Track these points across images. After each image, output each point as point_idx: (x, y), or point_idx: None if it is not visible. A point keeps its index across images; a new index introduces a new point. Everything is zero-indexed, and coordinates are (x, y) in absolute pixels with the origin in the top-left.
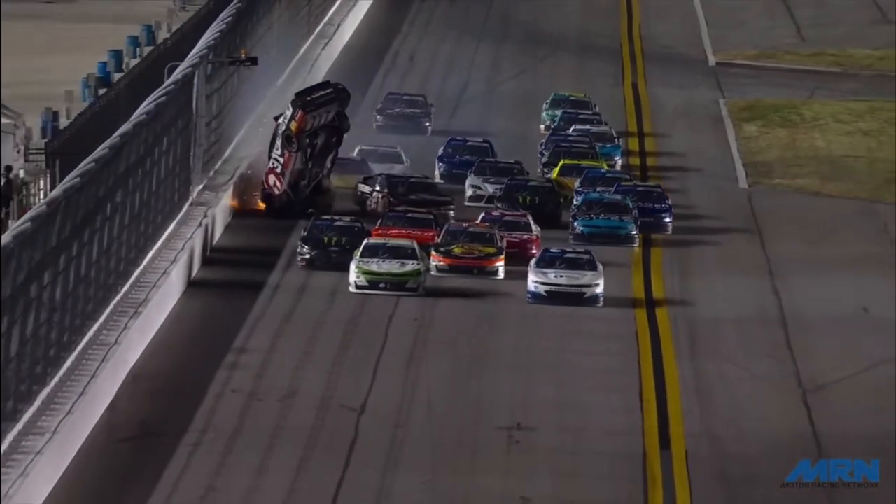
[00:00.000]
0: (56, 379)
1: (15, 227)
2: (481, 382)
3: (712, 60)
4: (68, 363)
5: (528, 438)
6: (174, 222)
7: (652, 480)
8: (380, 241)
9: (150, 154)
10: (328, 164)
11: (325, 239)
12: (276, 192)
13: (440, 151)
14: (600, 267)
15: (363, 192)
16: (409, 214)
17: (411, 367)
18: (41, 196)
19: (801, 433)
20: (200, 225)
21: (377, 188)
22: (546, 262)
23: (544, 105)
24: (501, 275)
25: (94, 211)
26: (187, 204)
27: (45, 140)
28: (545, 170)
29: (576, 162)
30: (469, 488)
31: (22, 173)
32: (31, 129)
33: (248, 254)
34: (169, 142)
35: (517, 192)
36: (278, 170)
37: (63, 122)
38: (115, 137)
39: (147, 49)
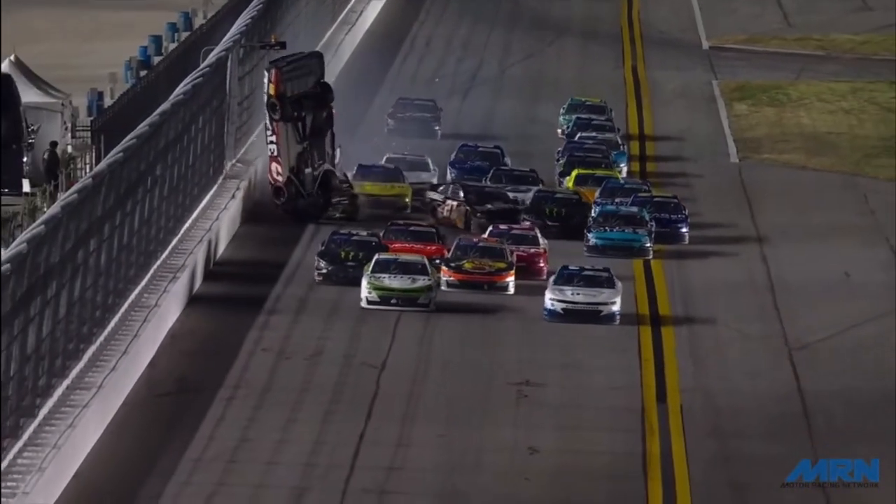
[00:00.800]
0: (101, 338)
1: (63, 198)
2: (493, 345)
3: (706, 44)
4: (112, 324)
5: (536, 394)
6: (209, 194)
7: (650, 431)
8: (390, 256)
9: (187, 131)
10: (329, 150)
11: (342, 254)
12: (281, 180)
13: (451, 157)
14: (619, 285)
15: (434, 200)
16: (412, 228)
17: (427, 328)
18: (87, 170)
19: (787, 388)
20: (234, 197)
21: (451, 196)
22: (564, 279)
23: (561, 110)
24: (512, 290)
25: (136, 183)
26: (221, 177)
27: (91, 118)
28: (560, 179)
29: (590, 171)
30: (481, 440)
31: (69, 149)
32: (78, 109)
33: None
34: (204, 120)
35: (544, 203)
36: (275, 152)
37: (107, 102)
38: (155, 116)
39: (184, 34)
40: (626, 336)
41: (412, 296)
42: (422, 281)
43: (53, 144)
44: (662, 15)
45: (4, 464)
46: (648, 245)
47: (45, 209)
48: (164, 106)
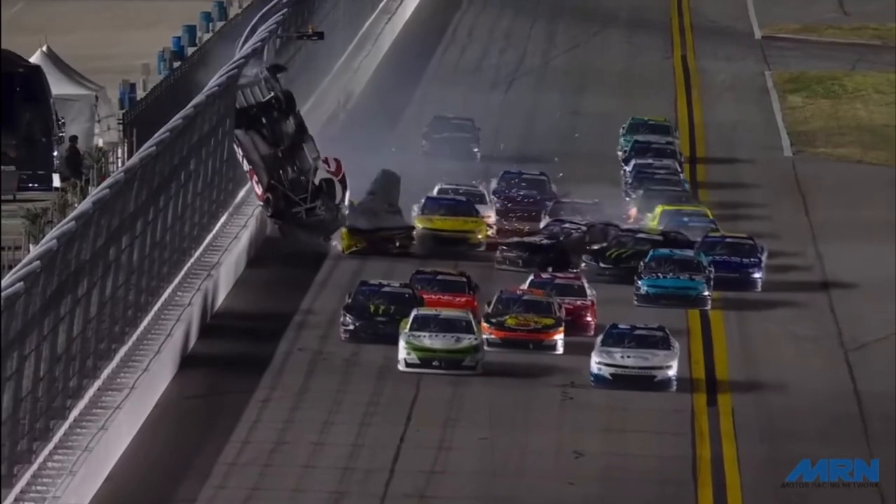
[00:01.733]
0: (133, 338)
1: (94, 193)
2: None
3: (758, 34)
4: (145, 323)
5: (581, 396)
6: (244, 189)
7: (700, 434)
8: (431, 311)
9: (222, 124)
10: (311, 160)
11: (371, 307)
12: (261, 190)
13: (493, 185)
14: (675, 346)
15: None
16: (440, 277)
17: None
18: (119, 164)
19: (842, 390)
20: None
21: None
22: (613, 339)
23: (621, 129)
24: (561, 349)
25: (169, 178)
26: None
27: (123, 111)
28: (639, 216)
29: (675, 207)
30: (524, 443)
31: (100, 142)
32: (111, 101)
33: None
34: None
35: (632, 245)
36: (247, 167)
37: (140, 94)
38: (189, 108)
39: (219, 24)
40: (677, 337)
41: (456, 357)
42: (467, 340)
43: (74, 139)
44: (713, 3)
45: (35, 466)
46: (707, 293)
47: (76, 205)
48: (198, 98)
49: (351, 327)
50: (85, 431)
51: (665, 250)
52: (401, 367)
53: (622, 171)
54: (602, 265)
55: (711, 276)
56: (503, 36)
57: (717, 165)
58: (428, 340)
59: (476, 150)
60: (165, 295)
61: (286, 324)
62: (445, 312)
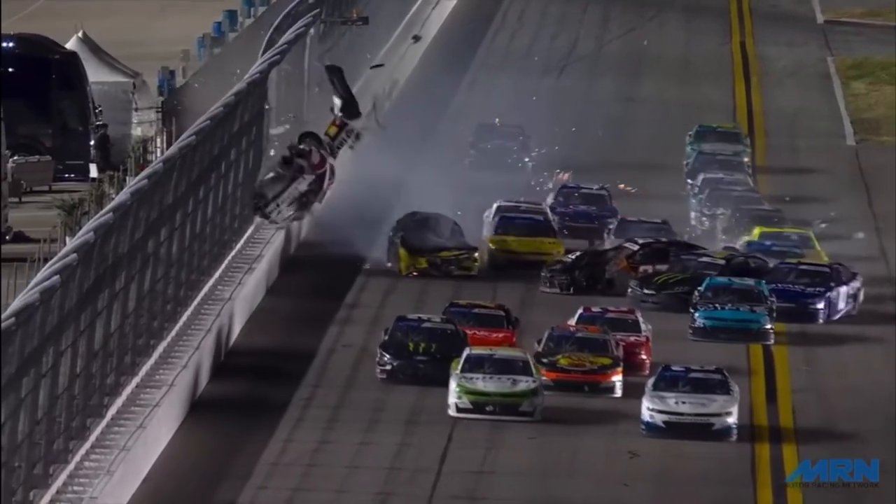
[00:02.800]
0: (172, 333)
1: (132, 184)
2: None
3: (820, 18)
4: (184, 318)
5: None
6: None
7: (759, 434)
8: (485, 351)
9: (264, 113)
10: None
11: (411, 345)
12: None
13: (550, 200)
14: (735, 390)
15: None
16: (476, 310)
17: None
18: (158, 154)
19: None
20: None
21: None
22: (666, 383)
23: (687, 137)
24: (619, 392)
25: (209, 168)
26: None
27: (162, 98)
28: (732, 238)
29: (776, 230)
30: (576, 443)
31: (139, 131)
32: (149, 88)
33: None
34: (279, 97)
35: (692, 269)
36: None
37: (179, 81)
38: (229, 96)
39: (261, 10)
40: (734, 374)
41: (513, 402)
42: (525, 383)
43: (103, 127)
44: None
45: (71, 466)
46: (769, 326)
47: (114, 196)
48: (239, 86)
49: (388, 367)
50: (122, 430)
51: (723, 278)
52: (451, 411)
53: (688, 185)
54: (646, 291)
55: (774, 306)
56: (555, 20)
57: (777, 155)
58: (481, 383)
59: (527, 159)
60: (206, 289)
61: (330, 318)
62: (501, 352)
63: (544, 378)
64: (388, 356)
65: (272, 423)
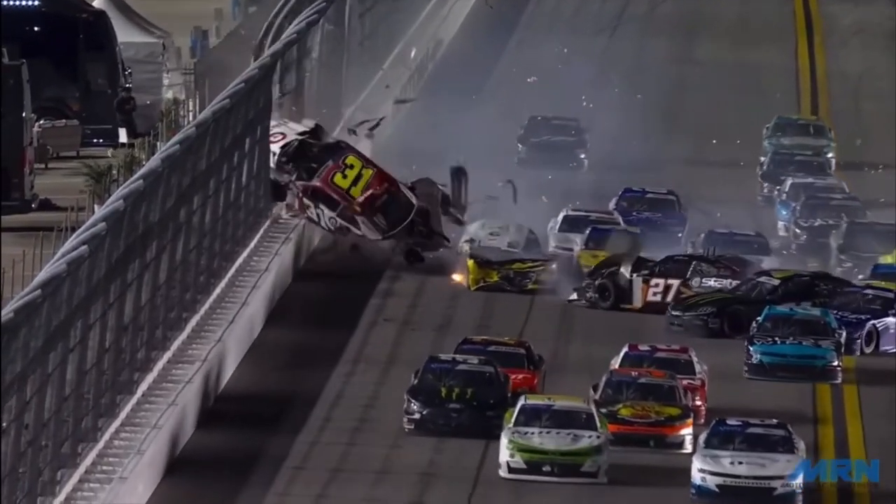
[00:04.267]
0: (206, 306)
1: (164, 149)
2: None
3: None
4: (218, 290)
5: None
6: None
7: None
8: (542, 401)
9: (300, 74)
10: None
11: (443, 390)
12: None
13: (612, 204)
14: (801, 447)
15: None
16: (493, 347)
17: (566, 308)
18: (190, 118)
19: None
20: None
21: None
22: (720, 439)
23: (764, 130)
24: (689, 447)
25: (244, 133)
26: (339, 126)
27: (195, 60)
28: (841, 256)
29: None
30: None
31: (170, 93)
32: (180, 49)
33: None
34: (320, 61)
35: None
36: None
37: (212, 42)
38: (265, 57)
39: None
40: (798, 421)
41: (574, 461)
42: (588, 439)
43: (125, 89)
44: None
45: (101, 444)
46: (836, 363)
47: (144, 162)
48: (276, 46)
49: (417, 416)
50: (154, 407)
51: (784, 308)
52: (502, 472)
53: (764, 188)
54: (672, 312)
55: (842, 339)
56: None
57: (841, 119)
58: (537, 439)
59: (583, 156)
60: (240, 260)
61: (367, 297)
62: (561, 402)
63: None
64: (416, 404)
65: (311, 398)
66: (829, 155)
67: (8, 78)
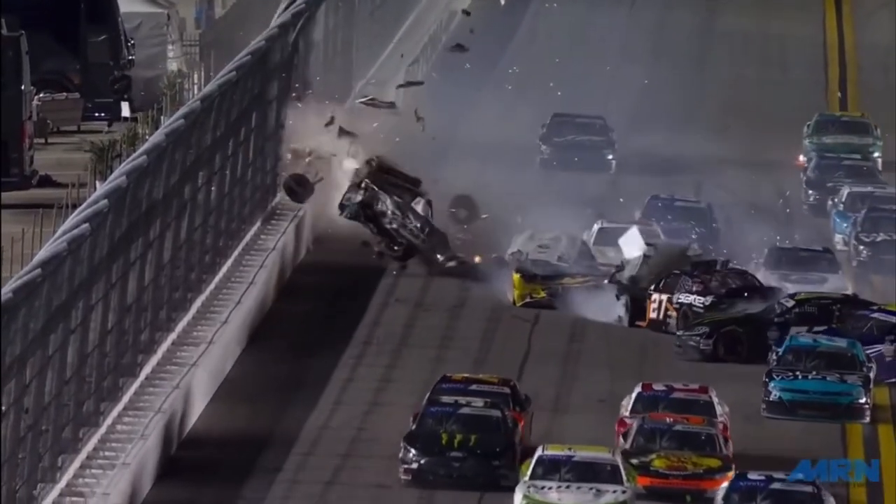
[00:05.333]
0: (211, 286)
1: (168, 124)
2: None
3: None
4: (224, 269)
5: None
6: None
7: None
8: (561, 452)
9: (309, 46)
10: None
11: (444, 437)
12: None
13: (638, 214)
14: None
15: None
16: (473, 386)
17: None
18: (195, 91)
19: None
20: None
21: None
22: (740, 496)
23: (805, 129)
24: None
25: (250, 107)
26: (350, 98)
27: (199, 31)
28: None
29: None
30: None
31: (175, 66)
32: (185, 20)
33: None
34: (327, 33)
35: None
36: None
37: (218, 12)
38: (273, 28)
39: None
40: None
41: None
42: (612, 494)
43: (129, 62)
44: None
45: (103, 429)
46: (864, 400)
47: (148, 137)
48: (284, 17)
49: (414, 465)
50: (158, 391)
51: (806, 338)
52: None
53: (809, 195)
54: (677, 334)
55: (871, 374)
56: None
57: (870, 93)
58: (555, 494)
59: (611, 157)
60: (247, 238)
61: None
62: (582, 453)
63: (636, 484)
64: (413, 451)
65: (319, 385)
66: (876, 154)
67: (7, 49)
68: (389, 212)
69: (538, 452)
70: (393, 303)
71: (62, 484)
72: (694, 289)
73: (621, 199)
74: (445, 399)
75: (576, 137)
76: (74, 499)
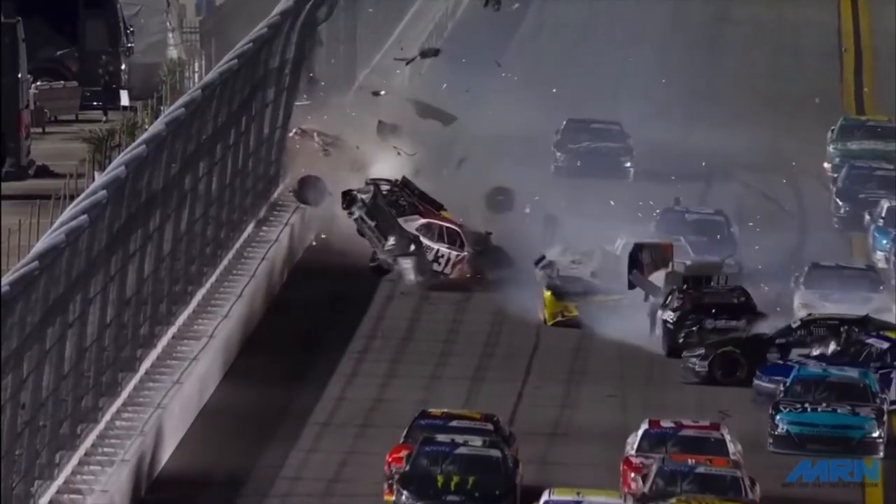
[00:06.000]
0: (212, 279)
1: (168, 113)
2: None
3: None
4: (225, 262)
5: None
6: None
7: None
8: (568, 496)
9: (312, 33)
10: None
11: (440, 479)
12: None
13: (651, 229)
14: None
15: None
16: (454, 422)
17: None
18: (195, 80)
19: None
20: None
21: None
22: None
23: (829, 134)
24: None
25: (252, 96)
26: (353, 88)
27: (200, 18)
28: None
29: None
30: (659, 401)
31: (175, 53)
32: (185, 7)
33: None
34: (331, 19)
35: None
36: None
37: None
38: (275, 15)
39: None
40: None
41: None
42: None
43: (128, 50)
44: None
45: (101, 425)
46: (876, 435)
47: (147, 126)
48: (286, 4)
49: None
50: (158, 386)
51: (815, 368)
52: None
53: (839, 207)
54: (682, 356)
55: (886, 406)
56: None
57: (886, 79)
58: None
59: (628, 165)
60: (248, 230)
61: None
62: (592, 498)
63: None
64: (407, 494)
65: (323, 377)
66: None
67: (3, 37)
68: (357, 216)
69: (544, 497)
70: (399, 295)
71: (60, 481)
72: (674, 304)
73: (640, 214)
74: (441, 438)
75: (592, 144)
76: (72, 496)
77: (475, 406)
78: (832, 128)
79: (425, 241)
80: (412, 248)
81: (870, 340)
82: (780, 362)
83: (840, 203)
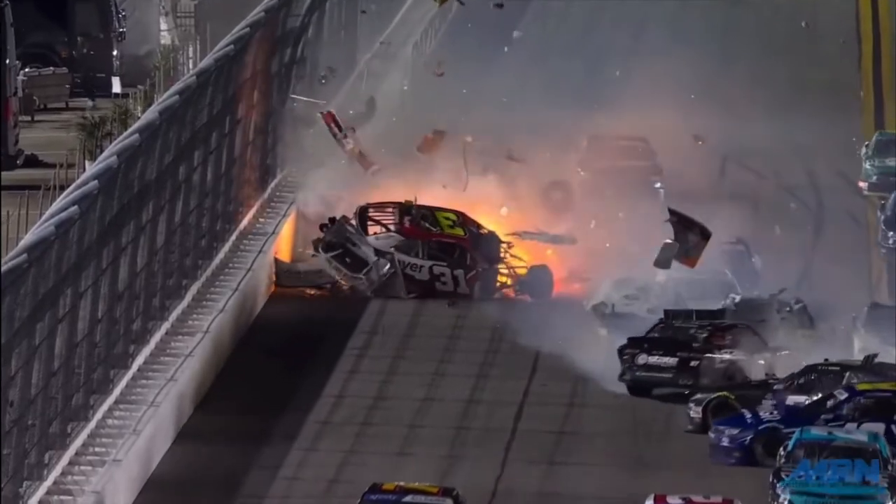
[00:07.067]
0: (207, 272)
1: (161, 101)
2: None
3: None
4: (221, 255)
5: None
6: (339, 95)
7: None
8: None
9: (310, 19)
10: None
11: None
12: None
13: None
14: None
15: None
16: (408, 497)
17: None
18: (190, 66)
19: None
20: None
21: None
22: None
23: (864, 149)
24: None
25: (248, 83)
26: (354, 75)
27: (195, 2)
28: None
29: None
30: (669, 404)
31: (170, 39)
32: None
33: None
34: (332, 4)
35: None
36: None
37: None
38: (271, 0)
39: None
40: None
41: None
42: None
43: (120, 35)
44: None
45: (92, 424)
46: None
47: (140, 114)
48: None
49: None
50: (151, 383)
51: (819, 431)
52: None
53: (890, 238)
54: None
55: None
56: None
57: None
58: None
59: (658, 185)
60: (245, 222)
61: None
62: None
63: None
64: None
65: (322, 374)
66: None
67: None
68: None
69: None
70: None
71: (49, 482)
72: (654, 351)
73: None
74: (387, 486)
75: (617, 163)
76: (62, 497)
77: (475, 405)
78: (866, 143)
79: (401, 257)
80: (388, 267)
81: (839, 390)
82: (745, 412)
83: (890, 234)
